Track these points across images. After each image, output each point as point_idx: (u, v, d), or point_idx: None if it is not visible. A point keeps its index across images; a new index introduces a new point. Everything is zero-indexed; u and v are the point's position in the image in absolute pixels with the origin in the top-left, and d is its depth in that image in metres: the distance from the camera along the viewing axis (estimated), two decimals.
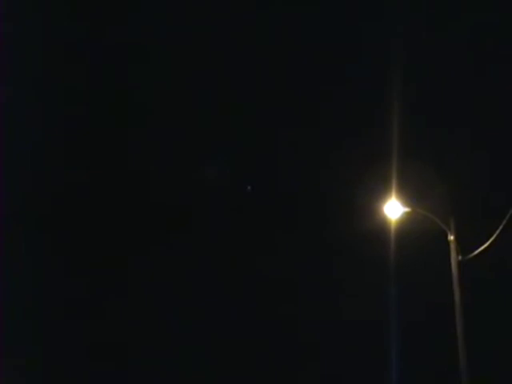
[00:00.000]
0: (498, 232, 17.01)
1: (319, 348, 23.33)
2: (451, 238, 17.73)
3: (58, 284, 24.30)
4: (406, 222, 18.65)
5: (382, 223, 18.85)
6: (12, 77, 22.89)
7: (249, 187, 25.06)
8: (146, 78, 25.33)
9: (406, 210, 18.39)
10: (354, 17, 24.22)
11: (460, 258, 17.59)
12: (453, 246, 17.69)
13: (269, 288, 24.31)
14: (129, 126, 25.73)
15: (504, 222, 16.87)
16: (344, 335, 22.84)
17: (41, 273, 24.21)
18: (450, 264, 17.64)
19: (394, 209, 18.40)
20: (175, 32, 24.87)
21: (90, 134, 25.41)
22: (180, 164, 25.33)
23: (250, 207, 25.31)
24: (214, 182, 25.10)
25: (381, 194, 18.71)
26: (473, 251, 17.49)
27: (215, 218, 25.30)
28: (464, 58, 22.91)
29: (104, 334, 24.28)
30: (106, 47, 25.17)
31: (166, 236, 25.35)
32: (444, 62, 23.11)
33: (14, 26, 23.18)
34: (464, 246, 17.62)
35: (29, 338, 23.46)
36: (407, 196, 18.47)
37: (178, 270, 24.67)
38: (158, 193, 25.32)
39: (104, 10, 24.91)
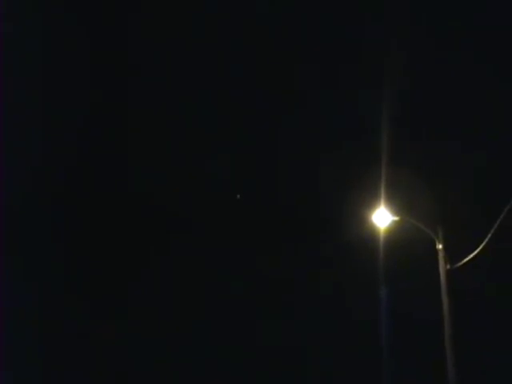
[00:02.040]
0: (486, 241, 17.04)
1: (312, 354, 23.43)
2: (439, 246, 17.74)
3: (58, 284, 24.46)
4: (395, 231, 18.67)
5: (371, 232, 18.88)
6: (12, 77, 22.96)
7: (238, 196, 25.20)
8: (145, 78, 25.38)
9: (395, 218, 18.42)
10: (346, 24, 24.16)
11: (448, 266, 17.61)
12: (441, 255, 17.71)
13: (266, 289, 24.39)
14: (129, 126, 25.78)
15: (492, 230, 16.91)
16: (334, 343, 22.89)
17: (41, 273, 24.35)
18: (438, 273, 17.68)
19: (382, 217, 18.43)
20: (175, 31, 24.89)
21: (90, 134, 25.49)
22: (180, 165, 25.39)
23: (246, 211, 25.36)
24: (213, 183, 25.18)
25: (369, 202, 18.73)
26: (461, 260, 17.53)
27: (214, 220, 25.36)
28: (456, 66, 22.82)
29: (103, 334, 24.44)
30: (105, 47, 25.23)
31: (166, 236, 25.45)
32: (435, 71, 23.04)
33: (14, 26, 23.24)
34: (452, 255, 17.64)
35: (29, 339, 23.62)
36: (396, 204, 18.47)
37: (178, 271, 24.78)
38: (157, 193, 25.39)
39: (104, 9, 24.96)
